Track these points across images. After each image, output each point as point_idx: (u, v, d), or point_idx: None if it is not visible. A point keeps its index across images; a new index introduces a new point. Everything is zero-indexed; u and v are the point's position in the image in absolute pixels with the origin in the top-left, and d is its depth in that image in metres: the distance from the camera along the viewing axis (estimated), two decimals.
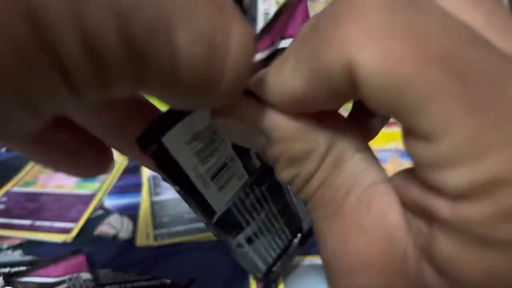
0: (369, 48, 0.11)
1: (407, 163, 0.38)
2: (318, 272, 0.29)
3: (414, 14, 0.11)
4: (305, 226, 0.27)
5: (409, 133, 0.12)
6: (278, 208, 0.24)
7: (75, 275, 0.28)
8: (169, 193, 0.35)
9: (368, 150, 0.15)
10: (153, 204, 0.34)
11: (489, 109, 0.10)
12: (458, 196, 0.11)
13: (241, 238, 0.22)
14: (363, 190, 0.14)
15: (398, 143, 0.45)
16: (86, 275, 0.28)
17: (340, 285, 0.14)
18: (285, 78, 0.13)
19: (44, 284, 0.27)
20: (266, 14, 0.52)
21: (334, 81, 0.12)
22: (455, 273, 0.11)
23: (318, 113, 0.14)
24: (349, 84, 0.12)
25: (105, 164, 0.18)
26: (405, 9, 0.11)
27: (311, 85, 0.12)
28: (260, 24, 0.51)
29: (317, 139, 0.14)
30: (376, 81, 0.11)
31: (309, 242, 0.28)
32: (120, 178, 0.38)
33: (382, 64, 0.11)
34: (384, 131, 0.53)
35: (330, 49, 0.11)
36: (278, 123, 0.14)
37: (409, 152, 0.12)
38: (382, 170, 0.14)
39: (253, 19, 0.53)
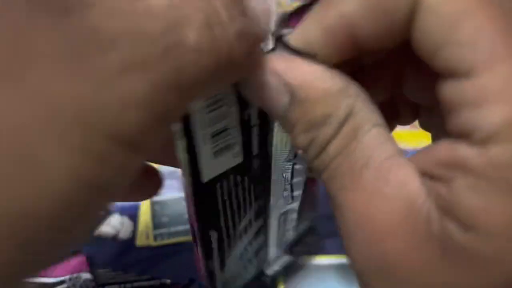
0: None
1: None
2: (318, 272, 0.29)
3: None
4: (269, 272, 0.27)
5: (449, 74, 0.12)
6: (257, 225, 0.23)
7: (75, 275, 0.28)
8: (169, 193, 0.35)
9: (386, 127, 0.15)
10: (153, 204, 0.34)
11: None
12: (489, 137, 0.11)
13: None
14: (381, 162, 0.14)
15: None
16: (86, 275, 0.28)
17: (364, 252, 0.14)
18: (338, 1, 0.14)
19: (44, 284, 0.27)
20: None
21: (394, 8, 0.13)
22: (482, 225, 0.11)
23: (345, 81, 0.15)
24: (409, 14, 0.13)
25: (157, 186, 0.19)
26: None
27: (366, 12, 0.13)
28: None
29: (338, 104, 0.14)
30: (437, 9, 0.12)
31: (307, 244, 0.28)
32: None
33: None
34: None
35: None
36: (306, 80, 0.14)
37: (445, 97, 0.13)
38: (396, 145, 0.15)
39: None
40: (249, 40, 0.13)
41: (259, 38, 0.14)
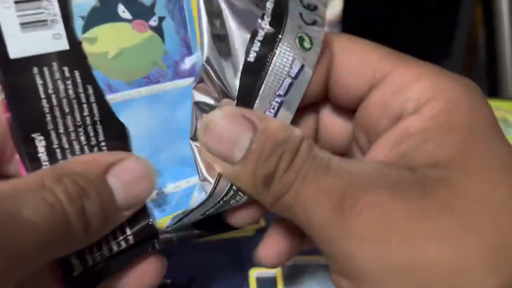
0: None
1: None
2: (317, 272, 0.29)
3: None
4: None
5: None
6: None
7: None
8: None
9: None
10: None
11: None
12: None
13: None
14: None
15: None
16: None
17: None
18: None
19: None
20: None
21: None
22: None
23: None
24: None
25: (157, 274, 0.21)
26: None
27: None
28: None
29: (294, 131, 0.17)
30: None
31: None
32: None
33: None
34: None
35: None
36: (264, 116, 0.18)
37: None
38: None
39: None
40: (89, 217, 0.15)
41: (106, 216, 0.16)
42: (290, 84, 0.18)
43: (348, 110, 0.21)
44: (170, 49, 0.20)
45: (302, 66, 0.18)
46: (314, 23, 0.19)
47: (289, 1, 0.18)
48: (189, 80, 0.20)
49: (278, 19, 0.18)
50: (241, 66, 0.18)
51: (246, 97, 0.18)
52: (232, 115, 0.17)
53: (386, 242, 0.14)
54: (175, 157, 0.20)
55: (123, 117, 0.19)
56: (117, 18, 0.19)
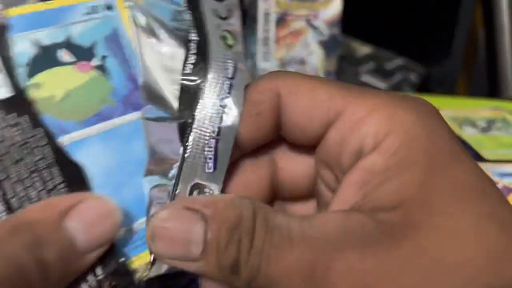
0: None
1: None
2: None
3: None
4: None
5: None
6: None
7: None
8: None
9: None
10: None
11: None
12: None
13: None
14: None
15: None
16: None
17: None
18: None
19: None
20: (266, 14, 0.52)
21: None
22: None
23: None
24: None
25: None
26: None
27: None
28: (260, 24, 0.51)
29: (243, 205, 0.16)
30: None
31: None
32: None
33: None
34: None
35: None
36: (207, 200, 0.17)
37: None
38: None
39: (253, 19, 0.53)
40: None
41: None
42: (230, 86, 0.18)
43: (306, 148, 0.20)
44: (117, 84, 0.20)
45: (235, 65, 0.18)
46: (229, 15, 0.19)
47: (205, 14, 0.18)
48: (140, 113, 0.20)
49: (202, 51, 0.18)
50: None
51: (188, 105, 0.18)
52: (175, 213, 0.17)
53: None
54: (138, 192, 0.20)
55: (79, 156, 0.19)
56: (60, 63, 0.19)
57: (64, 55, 0.19)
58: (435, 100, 0.69)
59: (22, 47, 0.18)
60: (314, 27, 0.53)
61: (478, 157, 0.44)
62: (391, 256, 0.14)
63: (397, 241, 0.14)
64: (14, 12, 0.18)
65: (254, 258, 0.16)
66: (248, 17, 0.55)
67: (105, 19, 0.20)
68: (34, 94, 0.18)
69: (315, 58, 0.55)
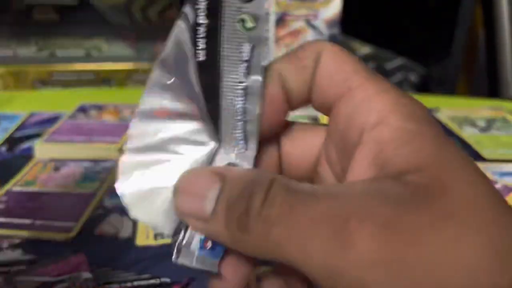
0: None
1: None
2: None
3: None
4: None
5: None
6: None
7: (75, 274, 0.28)
8: None
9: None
10: None
11: None
12: None
13: None
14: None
15: None
16: (86, 274, 0.28)
17: None
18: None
19: (44, 283, 0.27)
20: (266, 14, 0.52)
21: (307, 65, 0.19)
22: None
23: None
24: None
25: None
26: None
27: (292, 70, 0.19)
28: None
29: (264, 173, 0.17)
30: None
31: None
32: None
33: None
34: None
35: None
36: (232, 167, 0.18)
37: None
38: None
39: None
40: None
41: None
42: (247, 68, 0.18)
43: (309, 137, 0.21)
44: None
45: (253, 47, 0.18)
46: None
47: None
48: None
49: (213, 11, 0.18)
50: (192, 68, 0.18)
51: (210, 94, 0.18)
52: (198, 172, 0.17)
53: (401, 262, 0.13)
54: None
55: None
56: None
57: None
58: (435, 100, 0.69)
59: None
60: (314, 27, 0.53)
61: (478, 157, 0.44)
62: (423, 216, 0.14)
63: (428, 201, 0.14)
64: None
65: (269, 209, 0.15)
66: None
67: None
68: None
69: None
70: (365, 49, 0.79)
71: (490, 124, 0.51)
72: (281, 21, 0.52)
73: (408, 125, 0.16)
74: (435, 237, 0.14)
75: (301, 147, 0.21)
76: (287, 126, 0.21)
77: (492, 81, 0.79)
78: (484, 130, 0.50)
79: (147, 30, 0.72)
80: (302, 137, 0.21)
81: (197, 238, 0.18)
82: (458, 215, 0.14)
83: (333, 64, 0.19)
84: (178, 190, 0.17)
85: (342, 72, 0.19)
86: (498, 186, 0.38)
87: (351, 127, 0.18)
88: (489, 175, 0.40)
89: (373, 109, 0.17)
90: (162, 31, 0.72)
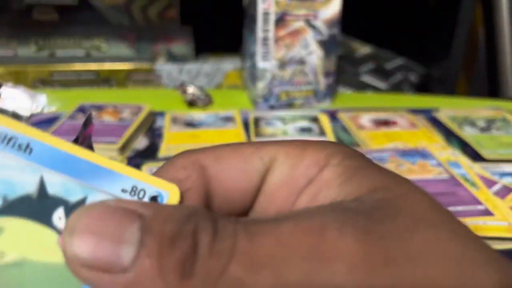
0: None
1: (407, 163, 0.38)
2: None
3: None
4: None
5: None
6: None
7: None
8: None
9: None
10: None
11: None
12: None
13: None
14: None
15: (398, 143, 0.45)
16: None
17: None
18: None
19: None
20: (266, 14, 0.52)
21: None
22: None
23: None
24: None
25: None
26: None
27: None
28: (260, 24, 0.51)
29: (194, 207, 0.13)
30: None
31: None
32: None
33: None
34: (384, 130, 0.53)
35: None
36: (143, 202, 0.13)
37: None
38: None
39: (253, 19, 0.53)
40: None
41: None
42: None
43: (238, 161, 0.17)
44: None
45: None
46: None
47: None
48: None
49: None
50: None
51: None
52: (104, 208, 0.12)
53: (393, 262, 0.13)
54: None
55: None
56: (47, 221, 0.14)
57: (59, 217, 0.14)
58: (435, 100, 0.69)
59: None
60: (314, 27, 0.53)
61: (478, 157, 0.44)
62: (398, 221, 0.14)
63: (394, 213, 0.14)
64: None
65: (222, 242, 0.12)
66: (248, 17, 0.55)
67: None
68: None
69: (315, 58, 0.55)
70: (365, 49, 0.79)
71: (490, 124, 0.51)
72: (280, 21, 0.52)
73: (348, 163, 0.16)
74: (417, 237, 0.13)
75: (233, 172, 0.17)
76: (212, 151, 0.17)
77: (492, 81, 0.79)
78: (484, 130, 0.50)
79: (147, 30, 0.72)
80: (232, 163, 0.17)
81: None
82: (426, 219, 0.14)
83: (233, 160, 0.17)
84: (75, 231, 0.12)
85: (250, 157, 0.17)
86: (498, 186, 0.38)
87: (292, 189, 0.17)
88: (489, 175, 0.40)
89: (310, 163, 0.17)
90: (162, 31, 0.72)
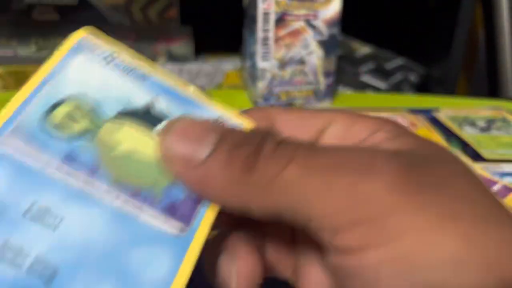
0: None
1: None
2: None
3: None
4: None
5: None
6: None
7: None
8: None
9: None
10: None
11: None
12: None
13: None
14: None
15: None
16: None
17: None
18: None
19: None
20: (266, 14, 0.52)
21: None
22: None
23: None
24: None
25: None
26: None
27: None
28: (260, 24, 0.51)
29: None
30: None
31: None
32: None
33: None
34: None
35: None
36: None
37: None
38: None
39: (253, 19, 0.53)
40: None
41: None
42: None
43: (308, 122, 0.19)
44: (178, 189, 0.16)
45: None
46: None
47: None
48: (172, 226, 0.16)
49: None
50: None
51: None
52: (197, 119, 0.16)
53: (426, 187, 0.14)
54: None
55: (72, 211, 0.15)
56: (152, 129, 0.17)
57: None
58: (435, 100, 0.69)
59: None
60: (314, 27, 0.53)
61: (478, 157, 0.44)
62: (436, 171, 0.15)
63: (437, 165, 0.15)
64: None
65: (285, 149, 0.14)
66: (248, 17, 0.55)
67: None
68: (104, 134, 0.17)
69: (315, 58, 0.55)
70: (365, 49, 0.79)
71: (490, 124, 0.51)
72: (280, 21, 0.52)
73: (398, 130, 0.17)
74: (453, 187, 0.14)
75: (294, 126, 0.19)
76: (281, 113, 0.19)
77: (492, 81, 0.79)
78: (484, 130, 0.50)
79: (147, 30, 0.72)
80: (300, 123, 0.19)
81: None
82: (467, 190, 0.15)
83: (294, 117, 0.20)
84: (168, 130, 0.16)
85: (309, 117, 0.19)
86: (498, 186, 0.38)
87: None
88: (489, 175, 0.40)
89: (362, 129, 0.18)
90: (162, 31, 0.72)
